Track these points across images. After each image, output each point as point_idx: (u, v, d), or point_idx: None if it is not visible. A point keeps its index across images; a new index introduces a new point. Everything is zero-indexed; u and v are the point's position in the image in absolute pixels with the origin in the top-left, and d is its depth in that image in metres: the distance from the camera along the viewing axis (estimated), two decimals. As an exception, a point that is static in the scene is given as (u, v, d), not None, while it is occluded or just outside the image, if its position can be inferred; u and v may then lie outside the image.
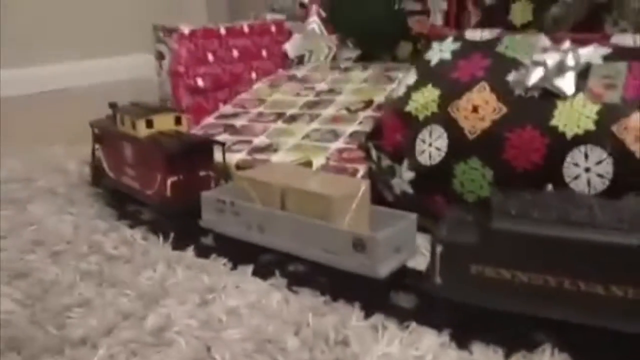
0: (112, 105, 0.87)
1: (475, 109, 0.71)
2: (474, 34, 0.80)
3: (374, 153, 0.83)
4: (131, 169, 0.83)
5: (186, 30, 1.14)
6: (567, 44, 0.67)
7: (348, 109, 1.05)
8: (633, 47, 0.67)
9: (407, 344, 0.53)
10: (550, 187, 0.63)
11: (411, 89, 0.79)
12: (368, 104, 1.05)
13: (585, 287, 0.48)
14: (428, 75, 0.78)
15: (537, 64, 0.65)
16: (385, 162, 0.80)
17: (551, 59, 0.66)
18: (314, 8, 1.28)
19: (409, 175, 0.77)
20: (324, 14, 1.27)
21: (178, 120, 0.83)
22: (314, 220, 0.62)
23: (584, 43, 0.69)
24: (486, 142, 0.69)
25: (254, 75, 1.28)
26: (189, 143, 0.79)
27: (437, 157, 0.74)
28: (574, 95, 0.65)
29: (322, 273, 0.63)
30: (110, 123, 0.87)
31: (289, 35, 1.37)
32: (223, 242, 0.72)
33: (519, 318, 0.51)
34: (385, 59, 1.28)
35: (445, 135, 0.73)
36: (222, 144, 0.80)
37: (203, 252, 0.73)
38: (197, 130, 1.07)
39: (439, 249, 0.53)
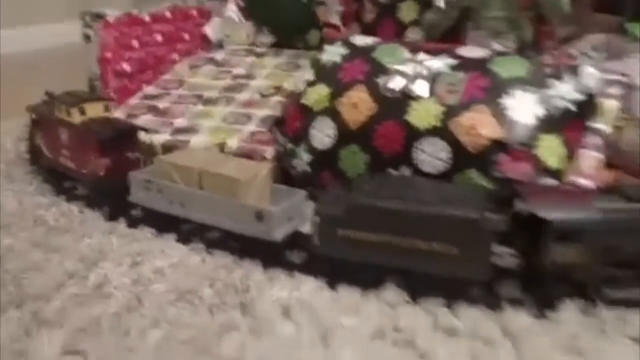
0: (49, 94, 0.98)
1: (355, 105, 0.89)
2: (360, 40, 0.97)
3: (279, 137, 0.99)
4: (67, 150, 0.95)
5: (111, 18, 1.23)
6: (422, 55, 0.86)
7: (261, 94, 1.20)
8: (476, 58, 0.87)
9: (293, 288, 0.72)
10: (405, 169, 0.83)
11: (309, 84, 0.96)
12: (278, 89, 1.21)
13: (415, 244, 0.67)
14: (321, 74, 0.95)
15: (397, 72, 0.84)
16: (289, 145, 0.97)
17: (409, 68, 0.84)
18: (232, -3, 1.40)
19: (306, 157, 0.94)
20: (241, 3, 1.40)
21: (107, 108, 0.95)
22: (225, 197, 0.78)
23: (437, 53, 0.88)
24: (362, 132, 0.87)
25: (176, 56, 1.39)
26: (117, 129, 0.92)
27: (327, 143, 0.91)
28: (428, 97, 0.84)
29: (233, 238, 0.80)
30: (46, 109, 0.98)
31: (209, 16, 1.48)
32: (150, 215, 0.87)
33: (373, 267, 0.70)
34: (298, 45, 1.42)
35: (333, 125, 0.91)
36: (146, 130, 0.94)
37: (133, 223, 0.87)
38: (123, 111, 1.19)
39: (317, 219, 0.71)
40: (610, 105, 0.94)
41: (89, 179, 0.92)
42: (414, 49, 0.89)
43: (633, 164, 0.97)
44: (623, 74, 0.99)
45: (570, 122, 0.80)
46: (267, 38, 1.44)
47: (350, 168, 0.89)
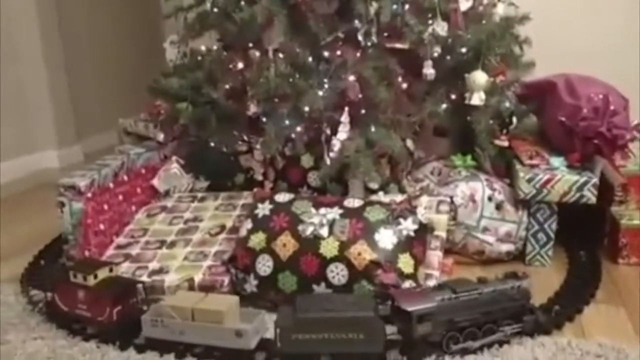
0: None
1: (284, 245, 1.36)
2: (280, 197, 1.46)
3: (233, 270, 1.43)
4: (83, 304, 1.32)
5: (82, 185, 1.60)
6: (322, 210, 1.36)
7: (210, 234, 1.63)
8: (354, 207, 1.38)
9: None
10: (322, 284, 1.30)
11: (249, 232, 1.42)
12: (222, 228, 1.64)
13: (338, 335, 1.14)
14: (257, 224, 1.42)
15: (309, 222, 1.33)
16: (240, 275, 1.41)
17: (316, 219, 1.34)
18: (174, 157, 1.84)
19: (254, 282, 1.39)
20: (182, 162, 1.84)
21: (111, 270, 1.34)
22: (212, 324, 1.20)
23: (331, 205, 1.38)
24: (292, 262, 1.34)
25: (133, 208, 1.78)
26: (123, 285, 1.31)
27: (268, 271, 1.37)
28: (329, 236, 1.33)
29: (219, 351, 1.21)
30: (60, 274, 1.35)
31: (155, 171, 1.90)
32: (150, 342, 1.26)
33: (314, 355, 1.15)
34: (228, 186, 1.87)
35: (270, 259, 1.37)
36: (142, 283, 1.34)
37: (140, 350, 1.26)
38: (104, 260, 1.55)
39: (277, 330, 1.16)
40: (442, 218, 1.50)
41: (105, 324, 1.29)
42: (317, 203, 1.39)
43: (463, 251, 1.55)
44: (450, 197, 1.56)
45: (413, 242, 1.33)
46: (203, 183, 1.89)
47: (286, 287, 1.35)
